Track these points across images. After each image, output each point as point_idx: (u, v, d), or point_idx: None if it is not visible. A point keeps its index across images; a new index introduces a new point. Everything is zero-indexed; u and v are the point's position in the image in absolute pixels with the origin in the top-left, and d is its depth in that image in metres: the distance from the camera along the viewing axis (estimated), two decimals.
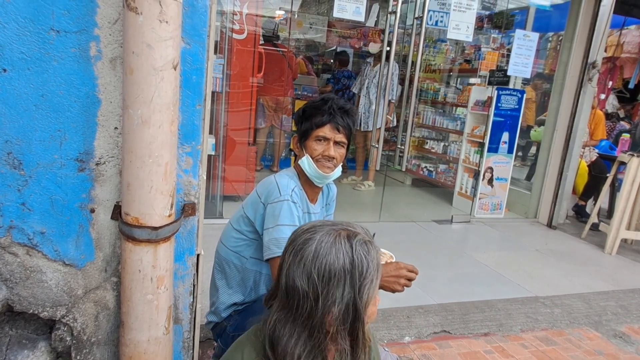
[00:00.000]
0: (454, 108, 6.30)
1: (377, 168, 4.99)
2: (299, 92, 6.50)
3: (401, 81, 5.54)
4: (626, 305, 3.20)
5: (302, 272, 0.96)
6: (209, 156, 3.92)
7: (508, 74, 4.69)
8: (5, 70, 1.22)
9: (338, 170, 1.76)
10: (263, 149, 5.96)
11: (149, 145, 1.24)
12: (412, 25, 4.11)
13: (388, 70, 4.18)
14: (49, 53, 1.25)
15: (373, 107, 5.60)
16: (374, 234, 1.64)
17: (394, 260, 1.68)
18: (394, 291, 1.58)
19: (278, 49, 5.61)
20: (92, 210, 1.38)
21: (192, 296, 1.57)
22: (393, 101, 5.44)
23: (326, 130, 1.69)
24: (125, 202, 1.30)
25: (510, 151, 5.01)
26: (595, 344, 2.67)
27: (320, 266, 0.96)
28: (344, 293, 0.96)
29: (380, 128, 4.41)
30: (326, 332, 0.97)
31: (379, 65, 5.63)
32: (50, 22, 1.24)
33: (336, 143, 1.71)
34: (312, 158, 1.70)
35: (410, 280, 1.59)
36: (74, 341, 1.43)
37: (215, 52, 3.88)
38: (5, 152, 1.27)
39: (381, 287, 1.56)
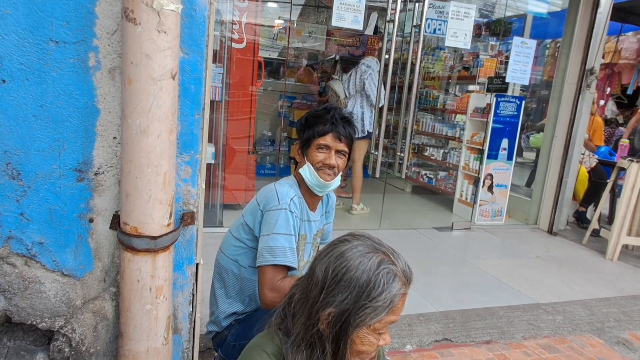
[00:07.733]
0: (453, 115, 6.30)
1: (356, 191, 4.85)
2: (301, 101, 6.51)
3: (399, 89, 5.52)
4: (628, 312, 3.18)
5: (324, 262, 1.04)
6: (209, 165, 3.92)
7: (506, 80, 4.71)
8: (4, 81, 1.23)
9: (337, 179, 1.78)
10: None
11: (147, 155, 1.24)
12: (411, 33, 4.13)
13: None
14: (48, 64, 1.26)
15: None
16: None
17: None
18: None
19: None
20: (91, 220, 1.38)
21: (191, 306, 1.56)
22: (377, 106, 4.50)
23: (328, 139, 1.71)
24: (124, 211, 1.30)
25: (509, 158, 5.01)
26: (598, 351, 2.65)
27: (339, 266, 1.02)
28: (344, 301, 1.00)
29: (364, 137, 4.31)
30: (318, 327, 1.03)
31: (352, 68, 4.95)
32: (50, 33, 1.24)
33: (337, 152, 1.74)
34: (314, 166, 1.72)
35: None
36: (72, 352, 1.42)
37: (215, 62, 3.89)
38: (4, 163, 1.27)
39: None
